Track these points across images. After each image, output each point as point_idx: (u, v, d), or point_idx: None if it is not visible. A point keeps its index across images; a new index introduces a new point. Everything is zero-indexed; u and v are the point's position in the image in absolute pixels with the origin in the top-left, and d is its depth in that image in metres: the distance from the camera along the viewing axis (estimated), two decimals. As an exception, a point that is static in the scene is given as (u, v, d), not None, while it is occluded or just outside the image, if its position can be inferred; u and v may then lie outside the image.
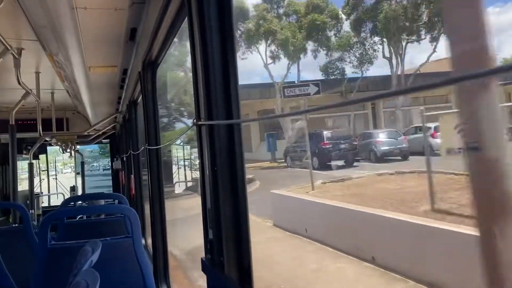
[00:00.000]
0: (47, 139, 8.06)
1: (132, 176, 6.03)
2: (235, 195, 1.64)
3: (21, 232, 4.01)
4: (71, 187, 11.93)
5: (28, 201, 7.21)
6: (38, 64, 5.40)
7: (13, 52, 4.43)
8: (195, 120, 1.82)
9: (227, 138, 1.65)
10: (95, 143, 10.97)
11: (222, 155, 1.64)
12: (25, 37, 4.36)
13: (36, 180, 11.34)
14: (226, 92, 1.63)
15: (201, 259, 1.78)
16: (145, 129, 3.69)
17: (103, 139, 10.42)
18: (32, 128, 8.24)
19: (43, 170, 13.48)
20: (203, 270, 1.76)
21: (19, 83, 4.89)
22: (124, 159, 7.89)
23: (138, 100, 5.31)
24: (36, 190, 10.36)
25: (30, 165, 7.20)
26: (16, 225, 5.57)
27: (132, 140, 5.60)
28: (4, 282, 2.87)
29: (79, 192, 11.48)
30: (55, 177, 15.66)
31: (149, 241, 4.66)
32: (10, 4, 3.18)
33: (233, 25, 1.65)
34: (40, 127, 6.75)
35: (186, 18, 1.93)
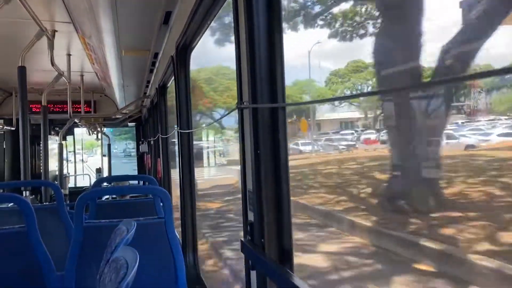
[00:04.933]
0: (76, 120, 8.20)
1: (159, 159, 6.10)
2: (278, 178, 1.64)
3: (53, 210, 4.11)
4: (97, 169, 12.13)
5: (56, 181, 7.37)
6: (70, 46, 5.49)
7: (48, 34, 4.50)
8: (237, 103, 1.82)
9: (271, 121, 1.65)
10: (122, 126, 11.10)
11: (265, 138, 1.65)
12: (59, 19, 4.42)
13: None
14: (271, 75, 1.63)
15: (240, 240, 1.80)
16: (177, 113, 3.71)
17: (129, 122, 10.55)
18: (60, 110, 8.40)
19: (70, 151, 13.73)
20: (242, 250, 1.78)
21: (52, 65, 4.98)
22: (152, 142, 7.98)
23: (168, 84, 5.33)
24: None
25: (60, 146, 7.34)
26: (47, 203, 5.71)
27: (161, 124, 5.65)
28: (43, 258, 2.95)
29: (105, 174, 11.67)
30: (82, 159, 15.96)
31: (176, 223, 4.72)
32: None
33: (281, 3, 1.63)
34: (70, 109, 6.87)
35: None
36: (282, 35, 1.62)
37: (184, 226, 3.70)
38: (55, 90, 7.37)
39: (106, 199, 6.59)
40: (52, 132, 9.62)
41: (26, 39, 4.41)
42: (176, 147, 4.01)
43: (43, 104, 5.70)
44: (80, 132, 13.38)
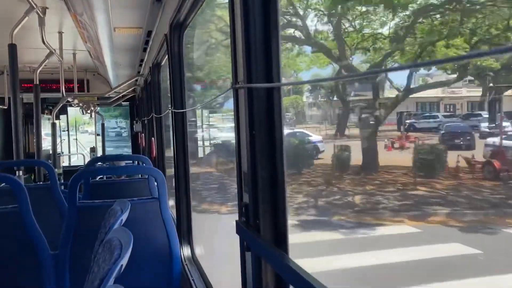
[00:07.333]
0: (69, 99, 8.12)
1: (153, 138, 6.07)
2: (273, 159, 1.63)
3: (46, 190, 4.09)
4: (91, 148, 12.09)
5: (50, 160, 7.33)
6: (62, 24, 5.39)
7: (38, 11, 4.41)
8: (231, 83, 1.79)
9: (266, 101, 1.62)
10: (115, 105, 11.02)
11: (260, 119, 1.62)
12: (50, -4, 4.33)
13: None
14: (267, 54, 1.59)
15: (236, 222, 1.79)
16: (170, 92, 3.67)
17: (123, 101, 10.46)
18: (53, 88, 8.30)
19: (64, 131, 13.65)
20: (238, 232, 1.77)
21: (44, 43, 4.89)
22: (145, 122, 7.93)
23: (162, 63, 5.27)
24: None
25: (53, 125, 7.28)
26: (41, 183, 5.69)
27: (155, 103, 5.60)
28: (36, 238, 2.94)
29: (99, 153, 11.63)
30: (76, 138, 15.88)
31: (171, 203, 4.73)
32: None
33: None
34: (63, 88, 6.79)
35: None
36: (278, 12, 1.58)
37: (178, 206, 3.70)
38: (48, 68, 7.27)
39: (100, 178, 6.58)
40: (46, 111, 9.54)
41: (16, 15, 4.32)
42: (170, 127, 3.98)
43: (35, 82, 5.63)
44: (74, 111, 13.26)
